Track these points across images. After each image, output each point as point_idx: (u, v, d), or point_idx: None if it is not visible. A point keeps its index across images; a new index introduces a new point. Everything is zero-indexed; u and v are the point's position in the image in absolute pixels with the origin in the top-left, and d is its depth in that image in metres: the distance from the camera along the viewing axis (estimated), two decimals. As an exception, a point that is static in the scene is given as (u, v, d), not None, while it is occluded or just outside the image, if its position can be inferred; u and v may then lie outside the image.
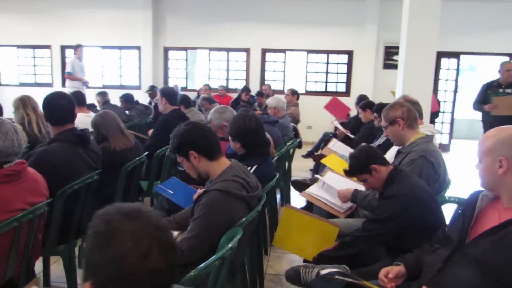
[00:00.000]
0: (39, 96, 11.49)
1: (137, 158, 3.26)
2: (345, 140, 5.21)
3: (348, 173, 2.46)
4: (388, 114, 2.73)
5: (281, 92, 9.66)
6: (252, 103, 8.04)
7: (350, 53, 9.80)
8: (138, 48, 10.44)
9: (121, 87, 10.47)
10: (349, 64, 9.86)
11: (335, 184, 2.79)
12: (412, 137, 2.70)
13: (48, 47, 10.77)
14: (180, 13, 10.21)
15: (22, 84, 11.04)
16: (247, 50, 10.16)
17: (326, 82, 10.07)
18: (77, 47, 8.25)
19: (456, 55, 9.26)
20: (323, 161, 3.68)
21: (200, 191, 2.86)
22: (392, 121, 2.71)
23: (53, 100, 2.59)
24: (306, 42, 9.86)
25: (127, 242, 0.82)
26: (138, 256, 0.82)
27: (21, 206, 1.91)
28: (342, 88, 10.03)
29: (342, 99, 9.87)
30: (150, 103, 8.48)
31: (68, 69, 8.20)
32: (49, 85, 10.88)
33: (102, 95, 5.99)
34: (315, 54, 9.99)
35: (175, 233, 2.40)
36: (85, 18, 10.46)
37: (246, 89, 8.09)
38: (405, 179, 2.21)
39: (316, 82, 10.10)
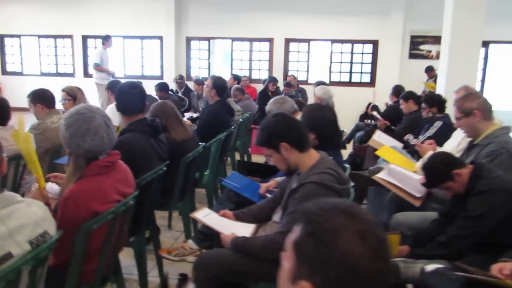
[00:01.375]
0: (60, 86, 11.54)
1: (196, 149, 3.22)
2: (386, 131, 5.12)
3: (428, 186, 2.37)
4: (463, 105, 2.66)
5: (305, 82, 9.62)
6: (279, 94, 7.96)
7: (375, 43, 9.68)
8: (160, 38, 10.37)
9: (143, 77, 10.40)
10: (374, 54, 9.74)
11: (403, 175, 2.72)
12: (487, 129, 2.63)
13: (69, 37, 10.73)
14: (203, 2, 10.12)
15: (43, 74, 11.04)
16: (270, 40, 10.06)
17: (351, 72, 9.97)
18: (107, 38, 8.21)
19: (485, 44, 9.11)
20: (378, 153, 3.60)
21: (266, 184, 2.83)
22: (467, 113, 2.63)
23: (125, 90, 2.55)
24: (331, 32, 9.75)
25: (357, 240, 0.78)
26: (368, 255, 0.78)
27: (116, 197, 1.88)
28: (366, 78, 9.93)
29: (367, 90, 9.75)
30: (176, 92, 8.43)
31: (96, 60, 8.17)
32: (71, 75, 10.87)
33: (136, 85, 5.92)
34: (339, 44, 9.88)
35: (252, 226, 2.37)
36: (106, 7, 10.40)
37: (273, 80, 8.00)
38: (492, 173, 2.14)
39: (340, 72, 10.01)
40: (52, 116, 3.40)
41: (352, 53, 9.86)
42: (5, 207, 1.36)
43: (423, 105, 4.41)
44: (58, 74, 10.98)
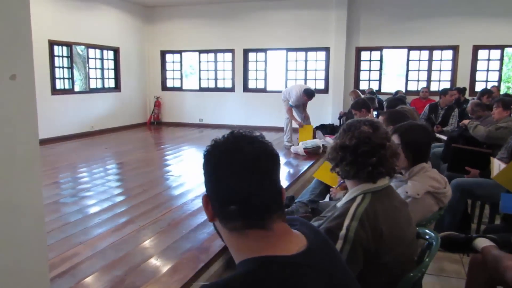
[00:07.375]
0: (218, 101, 11.12)
1: None
2: None
3: None
4: None
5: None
6: (490, 108, 6.89)
7: None
8: (327, 49, 9.78)
9: (307, 91, 9.86)
10: None
11: None
12: None
13: (231, 51, 10.54)
14: (376, 10, 9.38)
15: (202, 89, 10.96)
16: (454, 48, 9.02)
17: (556, 82, 8.61)
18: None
19: None
20: None
21: None
22: None
23: None
24: (530, 36, 8.50)
25: None
26: None
27: None
28: None
29: None
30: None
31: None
32: (230, 89, 10.66)
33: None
34: (541, 50, 8.59)
35: None
36: (269, 20, 10.06)
37: (487, 92, 6.95)
38: None
39: (541, 82, 8.69)
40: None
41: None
42: None
43: None
44: (217, 89, 10.83)
